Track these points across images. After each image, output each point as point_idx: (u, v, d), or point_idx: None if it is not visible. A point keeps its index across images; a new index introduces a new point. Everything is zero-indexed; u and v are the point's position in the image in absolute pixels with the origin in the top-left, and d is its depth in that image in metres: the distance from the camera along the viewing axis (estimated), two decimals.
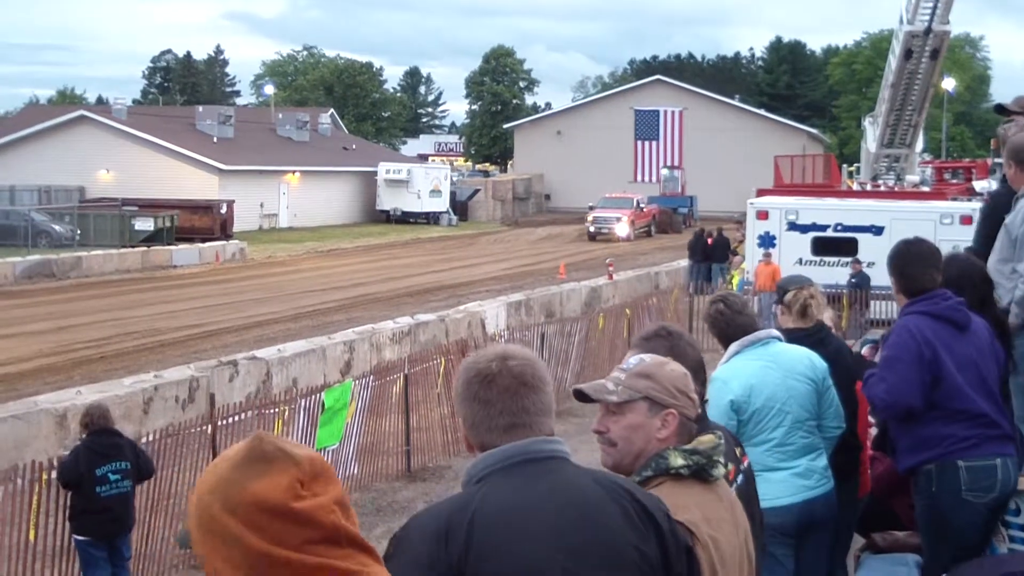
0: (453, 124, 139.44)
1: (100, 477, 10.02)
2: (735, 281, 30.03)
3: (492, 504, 2.92)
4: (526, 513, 2.91)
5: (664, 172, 75.95)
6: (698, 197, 71.46)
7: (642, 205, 63.75)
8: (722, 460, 3.63)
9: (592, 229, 60.27)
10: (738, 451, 4.51)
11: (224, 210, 55.17)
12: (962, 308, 6.01)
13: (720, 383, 6.14)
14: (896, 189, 36.63)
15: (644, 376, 3.63)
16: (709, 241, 37.28)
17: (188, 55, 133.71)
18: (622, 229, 59.85)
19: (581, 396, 3.71)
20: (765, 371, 6.15)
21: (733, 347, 6.22)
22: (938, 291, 6.03)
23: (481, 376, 3.05)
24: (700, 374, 4.25)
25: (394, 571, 2.89)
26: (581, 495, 2.97)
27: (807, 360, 6.34)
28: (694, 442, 3.62)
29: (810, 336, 6.83)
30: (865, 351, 9.11)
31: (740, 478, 4.28)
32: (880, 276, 25.57)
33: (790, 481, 6.17)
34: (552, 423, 3.09)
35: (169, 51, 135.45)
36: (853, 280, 26.12)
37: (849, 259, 26.51)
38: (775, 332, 6.40)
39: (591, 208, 62.63)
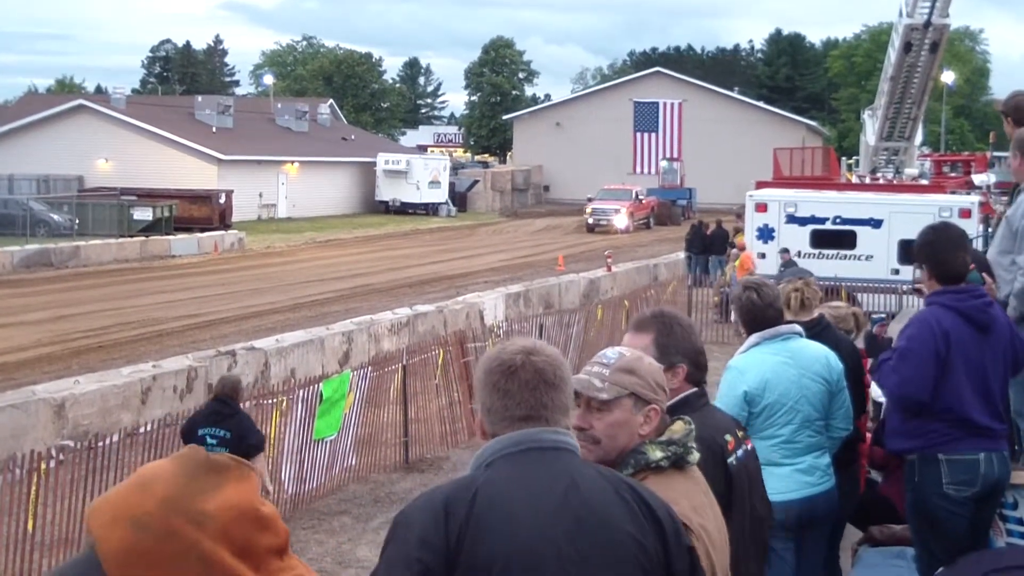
0: (452, 115, 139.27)
1: (200, 437, 11.11)
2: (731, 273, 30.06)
3: (495, 485, 2.95)
4: (528, 496, 2.93)
5: (663, 164, 75.95)
6: (697, 189, 71.38)
7: (641, 197, 63.69)
8: (695, 446, 3.65)
9: (591, 221, 60.22)
10: (739, 433, 4.52)
11: (223, 200, 55.10)
12: (987, 310, 5.98)
13: (736, 372, 6.15)
14: (895, 182, 36.55)
15: (628, 371, 3.62)
16: (707, 233, 37.29)
17: (187, 45, 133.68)
18: (621, 221, 59.80)
19: None
20: (782, 367, 6.14)
21: (753, 338, 6.23)
22: (968, 286, 6.01)
23: (504, 367, 3.08)
24: (700, 358, 4.33)
25: (390, 550, 2.91)
26: (585, 484, 2.99)
27: (824, 359, 6.31)
28: (667, 432, 3.63)
29: (807, 331, 6.83)
30: (876, 329, 9.11)
31: (740, 453, 4.31)
32: (876, 270, 25.69)
33: (793, 477, 6.17)
34: (568, 422, 3.12)
35: (168, 41, 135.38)
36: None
37: (849, 251, 26.49)
38: (797, 328, 6.36)
39: (590, 200, 62.59)
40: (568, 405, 3.12)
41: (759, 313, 6.21)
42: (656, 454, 3.56)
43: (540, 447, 3.02)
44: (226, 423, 11.23)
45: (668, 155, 79.62)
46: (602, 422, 3.60)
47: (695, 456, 3.65)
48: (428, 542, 2.87)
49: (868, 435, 7.72)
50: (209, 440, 11.09)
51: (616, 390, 3.58)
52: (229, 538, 2.06)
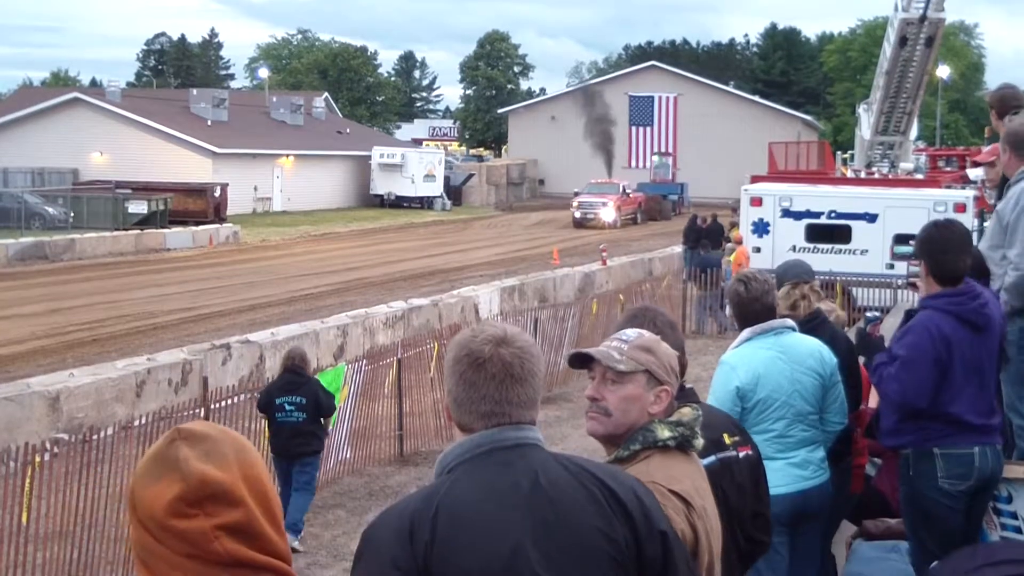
0: (447, 109, 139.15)
1: (279, 405, 12.28)
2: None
3: (456, 496, 2.90)
4: (491, 503, 2.88)
5: (655, 159, 75.67)
6: (693, 183, 71.27)
7: (628, 191, 63.37)
8: (700, 432, 3.71)
9: (578, 215, 59.88)
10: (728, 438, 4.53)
11: (218, 193, 54.97)
12: (984, 311, 5.97)
13: (728, 368, 6.15)
14: (890, 176, 36.55)
15: (646, 350, 3.69)
16: (703, 227, 37.29)
17: (182, 38, 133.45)
18: (607, 214, 59.46)
19: (580, 360, 3.74)
20: (773, 362, 6.13)
21: (745, 333, 6.23)
22: (966, 288, 5.98)
23: (472, 357, 3.01)
24: (682, 358, 4.31)
25: (362, 571, 2.88)
26: (549, 482, 2.93)
27: (817, 354, 6.30)
28: (676, 414, 3.69)
29: (804, 325, 6.82)
30: (869, 328, 9.10)
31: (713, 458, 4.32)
32: (871, 264, 25.72)
33: (786, 471, 6.16)
34: (534, 414, 3.06)
35: (163, 34, 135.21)
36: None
37: (844, 246, 26.51)
38: (789, 322, 6.36)
39: (576, 194, 62.43)
40: (534, 398, 3.05)
41: (745, 306, 6.22)
42: (664, 433, 3.62)
43: (502, 447, 2.96)
44: (301, 391, 12.28)
45: (662, 149, 79.52)
46: (615, 395, 3.67)
47: (700, 442, 3.71)
48: (399, 565, 2.83)
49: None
50: (288, 407, 12.22)
51: (633, 364, 3.65)
52: (151, 531, 2.22)
